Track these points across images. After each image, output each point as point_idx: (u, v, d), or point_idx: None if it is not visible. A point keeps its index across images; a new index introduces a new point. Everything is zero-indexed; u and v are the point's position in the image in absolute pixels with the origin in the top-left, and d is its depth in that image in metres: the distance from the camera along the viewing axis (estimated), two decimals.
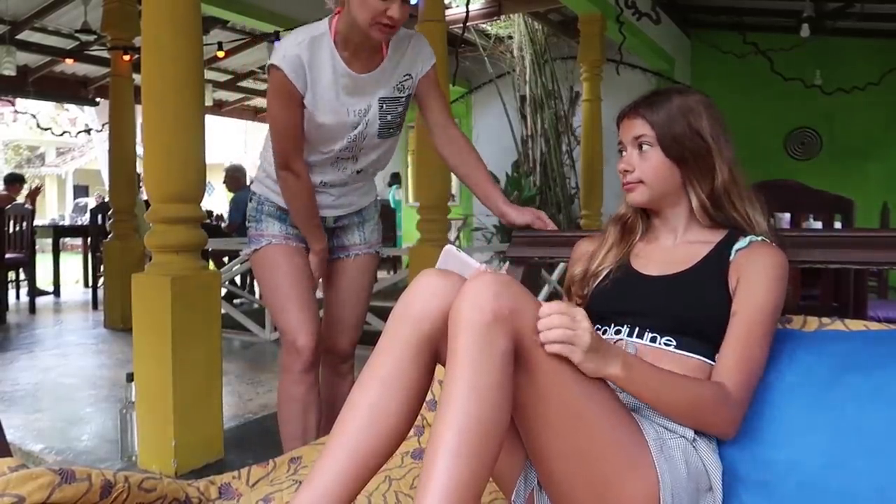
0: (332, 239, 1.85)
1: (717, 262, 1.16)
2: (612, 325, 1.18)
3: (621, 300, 1.20)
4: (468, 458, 0.84)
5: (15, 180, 6.94)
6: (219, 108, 9.27)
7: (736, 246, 1.15)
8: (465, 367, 0.88)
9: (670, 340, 1.11)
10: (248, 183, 6.66)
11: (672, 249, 1.22)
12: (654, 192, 1.21)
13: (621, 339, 1.14)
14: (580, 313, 0.93)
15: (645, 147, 1.19)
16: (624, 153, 1.23)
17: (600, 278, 1.25)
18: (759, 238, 1.15)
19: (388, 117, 1.67)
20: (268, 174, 1.77)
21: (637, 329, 1.14)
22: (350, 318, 1.89)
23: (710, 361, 1.10)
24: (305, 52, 1.55)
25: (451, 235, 5.62)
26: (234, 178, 6.38)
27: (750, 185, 1.21)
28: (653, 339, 1.12)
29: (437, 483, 0.82)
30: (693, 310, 1.12)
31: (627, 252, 1.27)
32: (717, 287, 1.13)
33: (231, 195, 6.42)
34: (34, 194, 6.84)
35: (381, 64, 1.63)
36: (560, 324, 0.92)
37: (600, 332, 1.20)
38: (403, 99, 1.69)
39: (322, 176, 1.73)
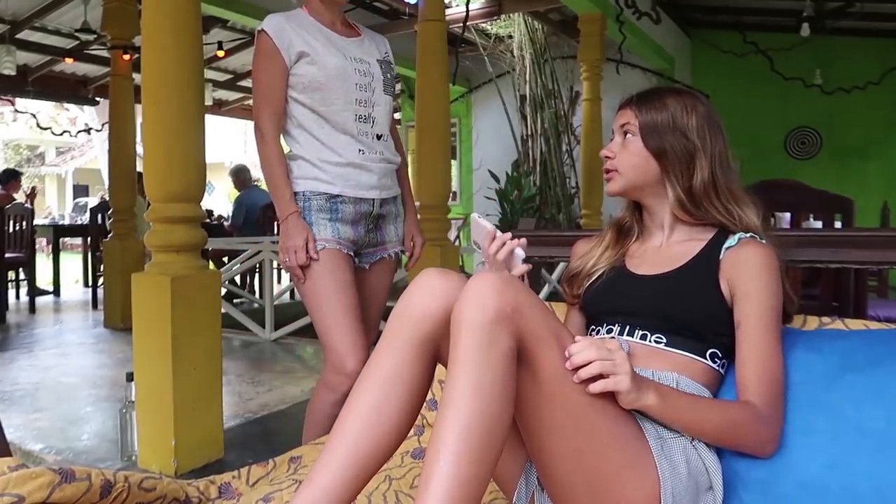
0: (376, 232, 1.84)
1: (707, 260, 1.16)
2: (604, 325, 1.19)
3: (612, 299, 1.21)
4: (469, 458, 0.84)
5: (11, 177, 6.73)
6: (219, 107, 9.27)
7: (726, 244, 1.15)
8: (467, 366, 0.87)
9: (660, 338, 1.12)
10: (253, 182, 6.67)
11: (663, 248, 1.22)
12: (628, 181, 1.21)
13: (613, 338, 1.15)
14: (613, 343, 0.94)
15: (628, 136, 1.21)
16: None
17: (593, 278, 1.26)
18: (748, 235, 1.15)
19: (387, 76, 1.85)
20: (306, 160, 1.74)
21: (628, 327, 1.15)
22: (374, 318, 1.90)
23: (699, 358, 1.11)
24: (287, 19, 1.74)
25: (452, 235, 5.62)
26: (241, 178, 6.39)
27: (741, 186, 1.21)
28: (643, 337, 1.13)
29: (438, 483, 0.82)
30: (682, 308, 1.13)
31: (622, 253, 1.27)
32: (707, 286, 1.13)
33: (236, 195, 6.44)
34: (31, 197, 6.80)
35: (359, 37, 1.84)
36: (597, 356, 0.92)
37: (593, 332, 1.21)
38: (392, 66, 1.89)
39: (355, 143, 1.75)
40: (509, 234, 1.12)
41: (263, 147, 1.73)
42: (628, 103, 1.23)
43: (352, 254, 1.77)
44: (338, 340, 1.67)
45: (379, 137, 1.80)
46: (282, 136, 1.78)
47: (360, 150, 1.75)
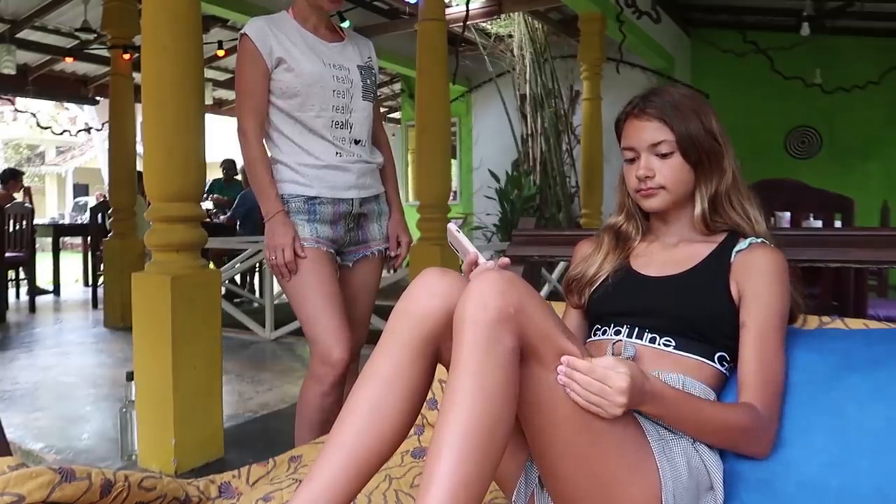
0: (357, 231, 1.86)
1: (717, 263, 1.16)
2: (612, 326, 1.18)
3: (620, 301, 1.20)
4: (472, 458, 0.83)
5: (11, 176, 6.67)
6: (218, 106, 9.25)
7: (736, 248, 1.15)
8: (469, 366, 0.87)
9: (669, 341, 1.11)
10: None
11: (673, 250, 1.22)
12: (673, 197, 1.18)
13: (620, 340, 1.14)
14: (614, 378, 0.90)
15: (665, 152, 1.15)
16: (637, 159, 1.18)
17: (596, 285, 1.24)
18: (759, 240, 1.15)
19: (367, 82, 1.85)
20: (284, 164, 1.76)
21: (636, 329, 1.14)
22: (362, 316, 1.90)
23: (708, 362, 1.11)
24: (270, 23, 1.77)
25: None
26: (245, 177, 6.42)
27: (748, 185, 1.21)
28: (652, 340, 1.12)
29: (440, 483, 0.82)
30: (692, 310, 1.12)
31: (625, 256, 1.26)
32: (717, 289, 1.13)
33: (243, 191, 6.45)
34: (27, 194, 6.76)
35: (342, 41, 1.86)
36: (588, 387, 0.90)
37: (598, 332, 1.20)
38: (374, 71, 1.89)
39: (331, 147, 1.76)
40: (491, 264, 1.01)
41: (247, 148, 1.75)
42: (647, 116, 1.16)
43: (332, 251, 1.79)
44: (322, 332, 1.70)
45: (357, 142, 1.81)
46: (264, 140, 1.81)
47: (336, 153, 1.77)
